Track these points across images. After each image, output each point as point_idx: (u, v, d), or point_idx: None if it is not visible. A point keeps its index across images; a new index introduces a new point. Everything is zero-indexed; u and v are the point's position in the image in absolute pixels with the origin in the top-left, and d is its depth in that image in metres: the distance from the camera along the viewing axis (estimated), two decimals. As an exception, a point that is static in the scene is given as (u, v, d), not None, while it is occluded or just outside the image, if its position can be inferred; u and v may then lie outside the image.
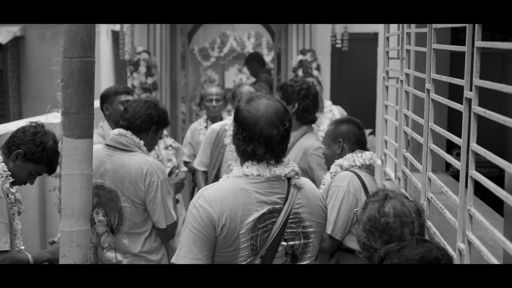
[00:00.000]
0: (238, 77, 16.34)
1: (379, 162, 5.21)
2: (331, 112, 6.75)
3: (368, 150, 3.71)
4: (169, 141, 5.46)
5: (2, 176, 3.36)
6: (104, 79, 11.12)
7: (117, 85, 5.17)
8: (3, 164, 3.39)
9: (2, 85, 10.88)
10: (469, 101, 2.19)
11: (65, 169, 3.17)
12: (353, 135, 3.68)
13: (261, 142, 2.50)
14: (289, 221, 2.52)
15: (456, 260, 2.38)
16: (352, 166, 3.58)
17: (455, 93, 3.16)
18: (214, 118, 6.22)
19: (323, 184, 3.62)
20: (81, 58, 3.14)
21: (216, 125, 5.47)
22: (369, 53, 7.64)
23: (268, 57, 14.36)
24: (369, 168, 3.62)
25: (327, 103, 6.81)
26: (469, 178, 2.18)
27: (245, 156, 2.55)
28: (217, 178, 5.18)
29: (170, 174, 4.70)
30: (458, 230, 2.33)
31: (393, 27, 4.16)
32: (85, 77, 3.15)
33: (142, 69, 8.46)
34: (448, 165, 4.34)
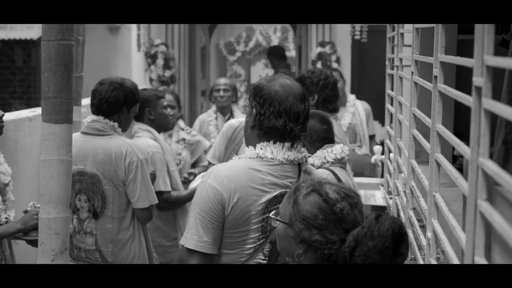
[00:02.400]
0: (264, 71, 16.19)
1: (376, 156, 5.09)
2: (354, 107, 6.61)
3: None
4: (183, 134, 5.38)
5: None
6: (135, 73, 11.10)
7: (155, 89, 5.13)
8: None
9: (35, 81, 10.95)
10: (436, 78, 2.05)
11: (43, 154, 3.10)
12: (314, 131, 3.48)
13: (291, 117, 2.43)
14: None
15: (426, 250, 2.24)
16: (324, 163, 3.43)
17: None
18: (223, 109, 6.12)
19: None
20: (59, 41, 3.06)
21: (234, 121, 5.34)
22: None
23: (294, 51, 14.20)
24: (342, 162, 3.46)
25: (351, 97, 6.67)
26: (434, 162, 2.04)
27: (271, 133, 2.46)
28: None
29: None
30: (428, 218, 2.19)
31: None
32: (62, 60, 3.06)
33: (160, 61, 8.40)
34: (455, 158, 4.15)
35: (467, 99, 1.54)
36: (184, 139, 5.38)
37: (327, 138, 3.52)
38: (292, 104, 2.44)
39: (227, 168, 2.44)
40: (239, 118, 5.43)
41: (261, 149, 2.45)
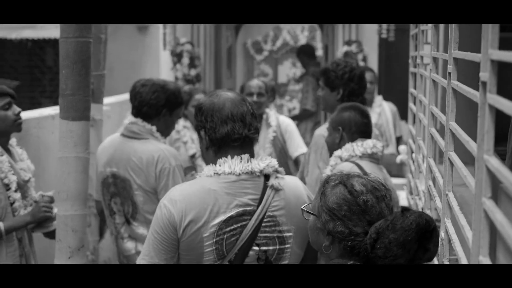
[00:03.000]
0: (291, 71, 16.12)
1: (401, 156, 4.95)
2: (380, 107, 6.51)
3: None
4: None
5: None
6: (163, 72, 11.17)
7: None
8: None
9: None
10: (450, 75, 2.01)
11: (60, 151, 3.12)
12: (354, 123, 3.40)
13: (236, 119, 2.38)
14: (263, 224, 2.35)
15: (440, 250, 2.19)
16: (352, 156, 3.34)
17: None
18: (258, 113, 5.79)
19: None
20: (77, 39, 3.08)
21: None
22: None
23: (321, 50, 14.14)
24: (372, 157, 3.36)
25: (378, 98, 6.55)
26: (447, 160, 1.99)
27: (225, 145, 2.39)
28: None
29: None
30: (441, 218, 2.15)
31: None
32: (80, 58, 3.09)
33: (185, 60, 8.42)
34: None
35: (475, 95, 1.50)
36: None
37: (366, 132, 3.43)
38: (232, 107, 2.40)
39: (181, 189, 2.39)
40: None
41: (220, 165, 2.38)
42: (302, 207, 2.13)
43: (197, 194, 2.32)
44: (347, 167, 3.16)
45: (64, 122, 3.12)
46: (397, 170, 6.01)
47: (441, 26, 2.92)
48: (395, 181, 5.47)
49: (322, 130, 3.88)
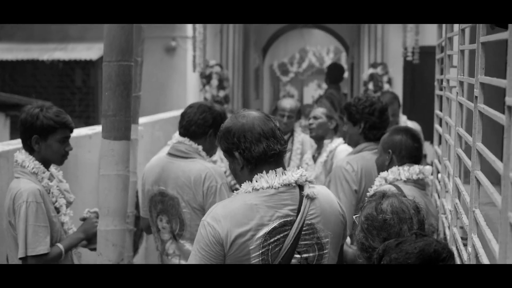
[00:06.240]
0: (317, 92, 16.28)
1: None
2: (405, 127, 6.62)
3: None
4: None
5: (37, 175, 3.44)
6: (190, 93, 11.37)
7: (222, 107, 5.15)
8: (34, 162, 3.44)
9: (93, 100, 11.29)
10: (477, 99, 2.13)
11: (102, 169, 3.27)
12: (405, 147, 3.46)
13: (268, 136, 2.50)
14: (303, 232, 2.47)
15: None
16: (397, 179, 3.40)
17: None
18: (285, 132, 6.19)
19: None
20: (119, 62, 3.23)
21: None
22: (441, 66, 7.49)
23: (346, 72, 14.29)
24: (418, 183, 3.42)
25: (403, 118, 6.67)
26: (474, 179, 2.11)
27: (262, 162, 2.51)
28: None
29: None
30: (468, 234, 2.26)
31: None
32: (122, 80, 3.24)
33: (214, 82, 8.60)
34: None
35: (501, 118, 1.63)
36: None
37: (416, 156, 3.49)
38: (262, 125, 2.51)
39: (223, 206, 2.49)
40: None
41: (256, 181, 2.49)
42: (353, 217, 2.30)
43: (241, 210, 2.43)
44: (387, 189, 3.22)
45: (106, 142, 3.27)
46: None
47: (466, 51, 3.04)
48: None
49: (343, 162, 3.98)
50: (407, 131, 3.57)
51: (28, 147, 3.46)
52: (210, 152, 3.97)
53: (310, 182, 2.54)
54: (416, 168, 3.43)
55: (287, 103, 6.06)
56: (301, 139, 5.92)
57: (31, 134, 3.43)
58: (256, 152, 2.49)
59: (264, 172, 2.50)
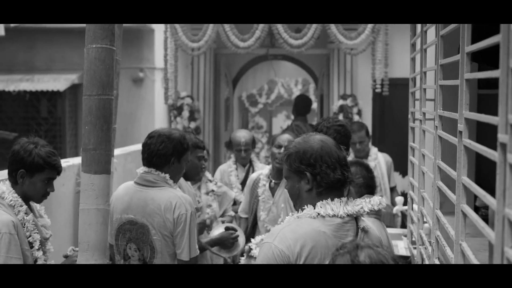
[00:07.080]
0: (285, 123, 16.39)
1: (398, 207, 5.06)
2: (376, 160, 6.67)
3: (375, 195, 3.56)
4: (212, 186, 5.49)
5: (14, 208, 3.42)
6: (158, 124, 11.36)
7: (197, 138, 5.09)
8: (13, 195, 3.44)
9: (60, 131, 11.20)
10: (461, 133, 2.18)
11: (82, 203, 3.24)
12: (362, 178, 3.52)
13: (343, 164, 2.51)
14: None
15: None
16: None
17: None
18: (243, 164, 6.28)
19: None
20: (100, 96, 3.23)
21: (254, 175, 5.47)
22: (410, 97, 7.60)
23: (315, 103, 14.42)
24: (378, 214, 3.51)
25: (373, 150, 6.72)
26: (460, 212, 2.15)
27: (331, 188, 2.50)
28: (254, 223, 5.23)
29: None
30: (455, 266, 2.29)
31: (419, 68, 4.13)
32: (102, 114, 3.23)
33: (185, 113, 8.60)
34: (476, 209, 4.23)
35: (492, 154, 1.67)
36: (213, 191, 5.47)
37: (371, 186, 3.57)
38: (338, 152, 2.52)
39: (292, 230, 2.44)
40: (259, 171, 5.54)
41: (321, 207, 2.47)
42: None
43: (310, 235, 2.41)
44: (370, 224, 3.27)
45: (87, 176, 3.25)
46: (389, 221, 6.15)
47: (444, 86, 3.11)
48: (390, 231, 5.60)
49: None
50: (359, 163, 3.69)
51: (13, 179, 3.47)
52: (175, 178, 4.08)
53: (363, 213, 2.57)
54: (376, 199, 3.43)
55: (242, 137, 6.21)
56: (261, 168, 6.01)
57: (18, 167, 3.45)
58: (332, 177, 2.49)
59: (329, 199, 2.49)
